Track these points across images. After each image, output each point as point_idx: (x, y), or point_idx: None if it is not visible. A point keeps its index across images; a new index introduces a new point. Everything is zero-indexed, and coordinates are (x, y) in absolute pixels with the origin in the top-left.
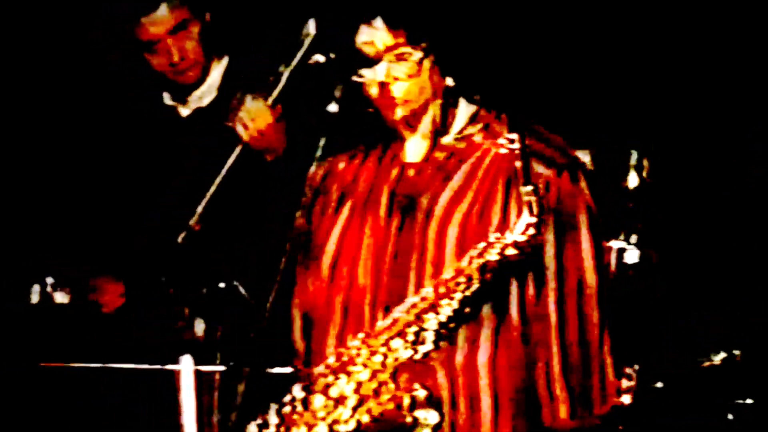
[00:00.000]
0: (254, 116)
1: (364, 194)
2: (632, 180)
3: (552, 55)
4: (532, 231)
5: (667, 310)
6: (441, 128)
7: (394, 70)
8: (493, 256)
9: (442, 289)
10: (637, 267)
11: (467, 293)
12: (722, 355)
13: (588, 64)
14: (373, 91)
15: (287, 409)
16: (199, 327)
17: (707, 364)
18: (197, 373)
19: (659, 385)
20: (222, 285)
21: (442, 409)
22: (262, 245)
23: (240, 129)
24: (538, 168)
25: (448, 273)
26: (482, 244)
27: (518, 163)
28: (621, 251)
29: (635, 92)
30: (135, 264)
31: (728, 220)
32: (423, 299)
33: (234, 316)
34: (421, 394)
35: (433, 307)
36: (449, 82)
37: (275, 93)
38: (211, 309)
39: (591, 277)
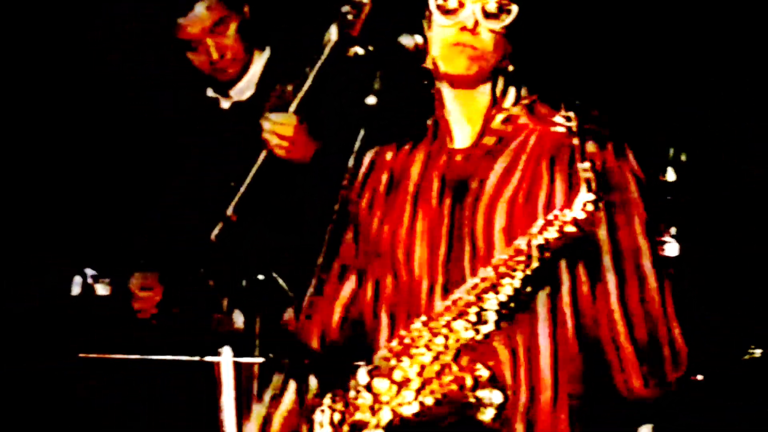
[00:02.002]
0: (278, 126)
1: (416, 181)
2: (670, 174)
3: (591, 47)
4: (591, 207)
5: (706, 303)
6: (489, 114)
7: (486, 18)
8: (552, 234)
9: (502, 269)
10: (675, 260)
11: (527, 272)
12: (762, 349)
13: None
14: (453, 34)
15: (351, 394)
16: (239, 319)
17: (747, 357)
18: (236, 364)
19: (699, 378)
20: (261, 277)
21: (505, 389)
22: (299, 238)
23: (267, 142)
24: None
25: (507, 252)
26: (541, 222)
27: (575, 141)
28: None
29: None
30: (173, 257)
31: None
32: (483, 279)
33: (273, 309)
34: (483, 374)
35: (494, 287)
36: (510, 67)
37: (299, 96)
38: (250, 301)
39: (644, 245)
